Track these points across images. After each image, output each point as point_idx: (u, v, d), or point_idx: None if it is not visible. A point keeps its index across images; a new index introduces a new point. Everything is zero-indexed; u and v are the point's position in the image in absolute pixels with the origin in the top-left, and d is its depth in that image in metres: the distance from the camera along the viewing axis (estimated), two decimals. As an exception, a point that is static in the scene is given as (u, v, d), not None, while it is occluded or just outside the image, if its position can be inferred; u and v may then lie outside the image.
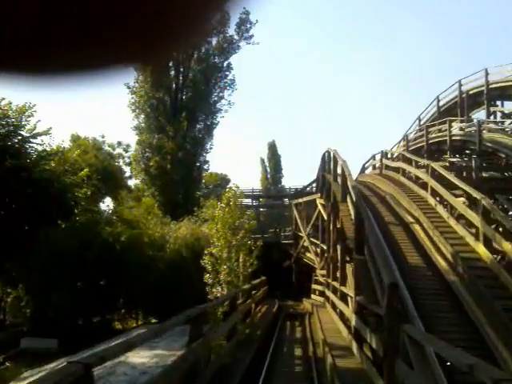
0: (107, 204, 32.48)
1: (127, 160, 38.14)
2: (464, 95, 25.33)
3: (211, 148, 31.47)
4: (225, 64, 31.14)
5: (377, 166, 22.26)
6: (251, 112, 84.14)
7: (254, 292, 14.17)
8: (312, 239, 23.08)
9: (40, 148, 20.18)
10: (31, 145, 20.26)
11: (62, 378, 2.78)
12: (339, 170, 14.89)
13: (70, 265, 17.14)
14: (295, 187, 31.85)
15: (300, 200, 25.65)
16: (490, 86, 23.81)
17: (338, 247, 13.32)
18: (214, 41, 30.08)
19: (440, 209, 11.90)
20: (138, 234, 19.81)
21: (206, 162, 31.71)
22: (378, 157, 22.72)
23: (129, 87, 29.42)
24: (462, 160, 22.18)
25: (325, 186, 18.13)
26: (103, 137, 38.15)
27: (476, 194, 9.98)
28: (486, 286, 7.93)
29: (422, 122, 27.95)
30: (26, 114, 20.00)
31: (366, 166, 24.77)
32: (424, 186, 13.91)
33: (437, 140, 23.09)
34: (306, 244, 24.10)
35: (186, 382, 5.57)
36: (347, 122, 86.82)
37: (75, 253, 17.34)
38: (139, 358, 8.01)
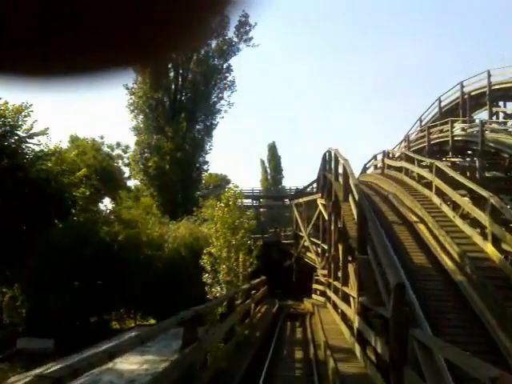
0: (105, 204, 32.33)
1: (126, 161, 37.99)
2: (466, 96, 25.18)
3: (210, 149, 31.40)
4: (224, 66, 31.05)
5: (378, 165, 22.03)
6: (251, 113, 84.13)
7: (253, 292, 13.88)
8: (313, 239, 22.97)
9: (37, 148, 20.07)
10: (28, 145, 20.15)
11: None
12: (340, 170, 14.67)
13: (67, 264, 17.01)
14: (296, 187, 31.58)
15: (300, 200, 25.52)
16: (493, 87, 23.60)
17: (340, 247, 13.07)
18: (214, 43, 29.96)
19: (445, 208, 11.58)
20: (136, 233, 19.64)
21: (206, 162, 31.56)
22: (379, 157, 22.47)
23: (127, 88, 29.26)
24: (464, 160, 21.99)
25: (326, 186, 17.93)
26: (102, 138, 38.04)
27: (484, 193, 9.67)
28: (496, 287, 7.59)
29: (423, 123, 27.78)
30: (23, 114, 19.88)
31: (368, 166, 24.56)
32: (428, 185, 13.63)
33: (438, 141, 22.93)
34: (306, 244, 23.98)
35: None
36: (348, 123, 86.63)
37: (72, 252, 17.21)
38: (128, 364, 7.65)
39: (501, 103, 25.34)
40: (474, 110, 25.51)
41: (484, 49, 79.92)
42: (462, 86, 25.45)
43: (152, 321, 18.76)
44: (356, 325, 8.64)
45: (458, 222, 10.65)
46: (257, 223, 20.71)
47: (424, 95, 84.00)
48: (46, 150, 20.21)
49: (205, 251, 15.71)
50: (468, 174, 18.51)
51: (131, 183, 37.13)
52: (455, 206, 12.03)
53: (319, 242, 20.65)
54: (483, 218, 9.24)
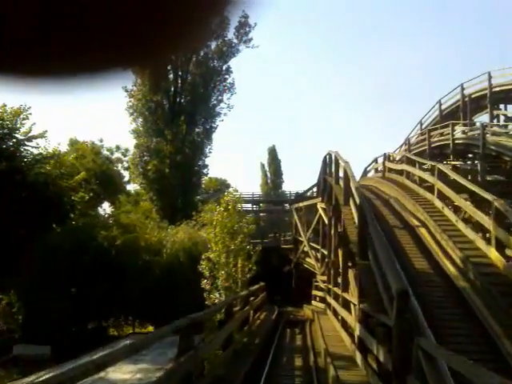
0: (104, 208, 32.18)
1: (126, 164, 37.83)
2: (466, 99, 25.08)
3: (210, 152, 31.16)
4: (224, 67, 30.87)
5: (379, 169, 21.88)
6: (251, 117, 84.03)
7: (252, 298, 13.67)
8: (312, 244, 22.79)
9: (35, 151, 19.97)
10: (26, 148, 20.04)
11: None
12: (341, 173, 14.51)
13: (65, 269, 16.85)
14: (296, 191, 31.42)
15: (300, 204, 25.37)
16: (494, 89, 23.48)
17: (340, 252, 12.89)
18: (213, 44, 29.82)
19: (447, 212, 11.40)
20: (134, 238, 19.47)
21: (205, 166, 31.33)
22: (380, 160, 22.31)
23: (127, 90, 29.06)
24: (464, 164, 21.88)
25: (326, 190, 17.78)
26: (101, 141, 37.92)
27: (488, 196, 9.49)
28: (501, 294, 7.39)
29: (423, 126, 27.68)
30: (21, 116, 19.79)
31: (368, 169, 24.41)
32: (430, 188, 13.46)
33: (439, 144, 22.85)
34: (306, 249, 23.80)
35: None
36: (348, 125, 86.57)
37: (70, 257, 17.08)
38: (121, 373, 7.42)
39: (501, 106, 25.23)
40: (475, 112, 25.40)
41: (484, 49, 79.99)
42: (463, 89, 25.34)
43: (150, 328, 18.55)
44: (357, 332, 8.44)
45: (461, 226, 10.46)
46: (256, 228, 20.60)
47: (425, 97, 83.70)
48: (44, 153, 20.11)
49: (203, 256, 15.57)
50: (469, 177, 18.37)
51: (131, 187, 36.99)
52: (456, 210, 11.87)
53: (319, 247, 20.48)
54: (487, 221, 9.05)
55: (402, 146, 27.55)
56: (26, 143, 20.16)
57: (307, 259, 23.59)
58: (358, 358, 8.09)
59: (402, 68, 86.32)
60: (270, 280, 19.31)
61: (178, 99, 30.28)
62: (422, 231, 11.14)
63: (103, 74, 0.58)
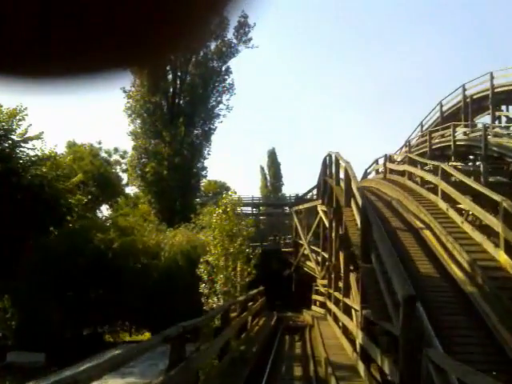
0: (101, 211, 31.88)
1: (124, 167, 37.48)
2: (468, 100, 24.80)
3: (209, 154, 30.92)
4: (223, 68, 30.63)
5: (380, 170, 21.60)
6: (250, 118, 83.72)
7: (250, 303, 13.29)
8: (313, 247, 22.52)
9: (32, 153, 19.71)
10: (22, 149, 19.76)
11: None
12: (342, 174, 14.20)
13: (60, 274, 16.51)
14: (295, 194, 31.10)
15: (300, 207, 25.11)
16: (496, 90, 23.17)
17: (341, 255, 12.54)
18: (213, 45, 29.58)
19: (453, 213, 11.01)
20: (131, 240, 19.14)
21: (204, 168, 31.04)
22: (380, 161, 22.02)
23: (125, 91, 28.77)
24: (466, 165, 21.64)
25: (326, 192, 17.50)
26: (100, 143, 37.59)
27: (496, 196, 9.11)
28: (511, 299, 6.99)
29: (424, 128, 27.47)
30: (17, 117, 19.53)
31: (369, 171, 24.15)
32: (433, 190, 13.10)
33: (440, 145, 22.64)
34: (306, 252, 23.56)
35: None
36: (348, 127, 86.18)
37: (66, 260, 16.78)
38: (105, 389, 7.00)
39: (503, 107, 24.96)
40: (477, 114, 25.14)
41: (485, 50, 79.69)
42: (464, 89, 25.08)
43: (147, 334, 18.17)
44: (359, 340, 8.05)
45: (467, 227, 10.07)
46: (256, 231, 20.33)
47: (426, 98, 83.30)
48: (40, 154, 19.85)
49: (202, 260, 15.26)
50: (472, 178, 18.08)
51: (129, 190, 36.65)
52: (458, 212, 11.52)
53: (319, 251, 20.22)
54: (495, 223, 8.67)
55: (402, 147, 27.32)
56: (22, 145, 19.92)
57: (307, 263, 23.34)
58: (361, 368, 7.70)
59: (403, 68, 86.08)
60: (270, 284, 19.04)
61: (176, 100, 30.00)
62: (427, 233, 10.76)
63: (102, 74, 0.57)
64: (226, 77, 30.57)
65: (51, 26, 0.51)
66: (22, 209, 17.62)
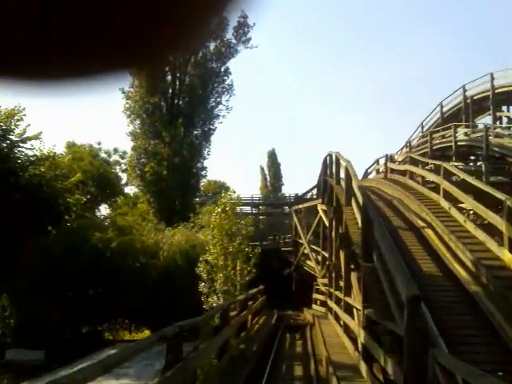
0: (101, 211, 31.82)
1: (124, 167, 37.39)
2: (468, 100, 24.75)
3: (209, 154, 30.83)
4: (222, 69, 30.56)
5: (381, 170, 21.56)
6: (250, 119, 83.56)
7: (250, 302, 13.19)
8: (313, 246, 22.47)
9: (30, 153, 19.68)
10: (21, 149, 19.72)
11: None
12: (342, 174, 14.12)
13: (59, 272, 16.45)
14: (295, 194, 31.00)
15: (300, 206, 25.08)
16: (496, 91, 23.12)
17: (341, 254, 12.44)
18: (212, 45, 29.52)
19: (455, 212, 10.91)
20: (130, 240, 19.07)
21: (204, 168, 30.95)
22: (381, 161, 21.95)
23: (124, 92, 28.68)
24: (467, 165, 21.62)
25: (326, 191, 17.45)
26: (99, 144, 37.51)
27: (499, 195, 9.01)
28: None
29: (425, 129, 27.44)
30: (16, 118, 19.49)
31: (369, 171, 24.11)
32: (434, 189, 13.01)
33: (441, 146, 22.64)
34: (306, 251, 23.51)
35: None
36: (348, 127, 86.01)
37: (65, 260, 16.76)
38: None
39: (504, 107, 24.91)
40: (477, 114, 25.13)
41: (485, 50, 79.60)
42: (465, 90, 25.05)
43: (147, 332, 18.09)
44: (361, 340, 7.93)
45: (470, 226, 9.96)
46: (256, 231, 20.31)
47: (426, 99, 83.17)
48: (39, 154, 19.80)
49: (201, 259, 15.19)
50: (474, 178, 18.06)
51: (129, 190, 36.57)
52: (461, 210, 11.43)
53: (319, 250, 20.19)
54: (498, 221, 8.56)
55: (402, 148, 27.33)
56: (21, 145, 19.88)
57: (307, 262, 23.32)
58: (363, 367, 7.58)
59: (403, 68, 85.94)
60: (270, 283, 19.00)
61: (175, 101, 29.92)
62: (429, 232, 10.66)
63: (102, 74, 0.57)
64: (226, 77, 30.51)
65: (51, 26, 0.51)
66: (21, 208, 17.57)
